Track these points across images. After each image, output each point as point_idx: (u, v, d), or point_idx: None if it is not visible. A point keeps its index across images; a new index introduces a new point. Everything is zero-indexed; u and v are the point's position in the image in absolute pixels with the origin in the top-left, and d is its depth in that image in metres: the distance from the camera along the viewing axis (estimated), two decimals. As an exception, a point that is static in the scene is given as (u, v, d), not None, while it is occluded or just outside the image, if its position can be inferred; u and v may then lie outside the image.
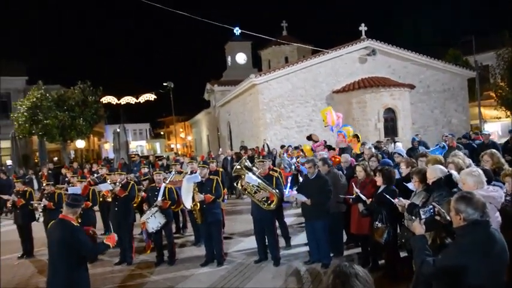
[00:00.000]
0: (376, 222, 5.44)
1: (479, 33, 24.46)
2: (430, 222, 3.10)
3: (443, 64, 23.01)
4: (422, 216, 3.00)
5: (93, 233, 4.58)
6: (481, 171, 3.59)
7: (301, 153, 12.66)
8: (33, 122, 22.59)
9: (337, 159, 8.75)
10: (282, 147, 16.15)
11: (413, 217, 4.48)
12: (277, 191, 6.60)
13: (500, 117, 24.34)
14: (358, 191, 5.85)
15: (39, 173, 16.87)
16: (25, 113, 22.54)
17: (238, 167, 6.79)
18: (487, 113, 25.50)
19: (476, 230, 2.61)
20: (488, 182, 3.68)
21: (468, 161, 5.41)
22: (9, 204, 8.77)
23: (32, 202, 8.52)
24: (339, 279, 1.84)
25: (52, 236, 4.19)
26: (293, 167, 11.71)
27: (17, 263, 8.24)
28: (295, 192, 7.03)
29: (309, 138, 12.13)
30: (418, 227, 2.95)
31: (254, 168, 6.90)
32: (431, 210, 3.07)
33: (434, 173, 4.18)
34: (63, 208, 4.31)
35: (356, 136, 11.16)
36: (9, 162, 24.58)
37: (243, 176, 6.79)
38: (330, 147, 10.20)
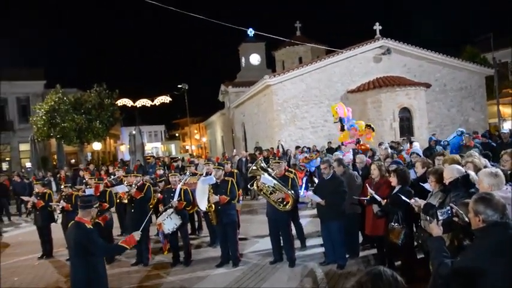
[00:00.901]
0: (392, 223, 5.39)
1: (497, 30, 24.02)
2: (448, 223, 3.06)
3: (460, 62, 22.65)
4: (440, 218, 2.96)
5: (106, 218, 4.73)
6: (500, 172, 3.52)
7: (319, 154, 12.66)
8: (52, 125, 23.04)
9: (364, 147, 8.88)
10: (297, 148, 16.13)
11: (429, 218, 4.44)
12: (292, 192, 6.59)
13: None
14: (372, 192, 5.80)
15: (58, 175, 17.16)
16: (43, 117, 23.00)
17: (254, 168, 6.80)
18: (506, 111, 25.00)
19: (496, 232, 2.56)
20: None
21: (484, 161, 5.32)
22: (29, 206, 8.96)
23: (50, 204, 8.69)
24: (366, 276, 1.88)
25: (69, 237, 4.33)
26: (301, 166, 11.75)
27: (37, 263, 8.40)
28: (310, 193, 7.00)
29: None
30: (436, 228, 2.91)
31: (270, 169, 6.90)
32: (449, 212, 3.02)
33: (451, 173, 4.12)
34: (78, 211, 4.40)
35: (369, 126, 11.08)
36: (28, 164, 25.10)
37: (258, 177, 6.80)
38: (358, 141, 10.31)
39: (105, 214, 4.85)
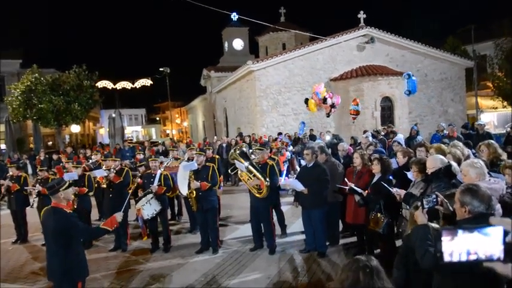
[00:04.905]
0: (374, 212, 5.41)
1: (478, 22, 24.23)
2: (433, 212, 3.06)
3: (442, 53, 22.88)
4: (426, 206, 2.95)
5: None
6: (482, 163, 3.53)
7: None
8: (28, 106, 22.25)
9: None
10: (279, 134, 16.13)
11: (408, 207, 4.46)
12: (268, 180, 6.49)
13: (496, 107, 24.34)
14: (352, 184, 5.80)
15: (37, 158, 16.69)
16: (19, 97, 22.18)
17: (232, 151, 6.76)
18: (484, 103, 25.48)
19: (482, 223, 2.56)
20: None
21: (467, 151, 5.37)
22: (3, 189, 8.69)
23: (26, 188, 8.44)
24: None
25: (46, 223, 4.14)
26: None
27: (11, 248, 8.19)
28: (291, 180, 6.97)
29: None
30: (421, 216, 2.90)
31: (253, 156, 6.84)
32: (435, 200, 3.02)
33: (434, 162, 4.13)
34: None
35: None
36: (3, 146, 24.38)
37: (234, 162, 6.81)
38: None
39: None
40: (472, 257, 1.28)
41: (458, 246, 1.28)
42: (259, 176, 6.48)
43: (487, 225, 1.33)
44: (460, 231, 1.32)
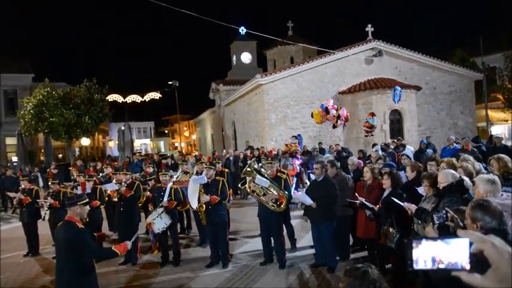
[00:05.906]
0: (386, 227, 5.38)
1: (487, 34, 24.22)
2: (443, 227, 3.05)
3: (450, 66, 22.82)
4: (436, 222, 2.94)
5: (101, 237, 4.68)
6: (497, 179, 3.49)
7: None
8: (39, 119, 22.63)
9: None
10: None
11: (421, 222, 4.43)
12: (286, 192, 6.56)
13: (507, 120, 24.12)
14: (363, 199, 5.77)
15: (48, 170, 16.85)
16: (31, 111, 22.58)
17: (249, 169, 6.74)
18: (494, 115, 25.29)
19: None
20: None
21: (478, 165, 5.33)
22: (15, 202, 8.79)
23: (38, 200, 8.54)
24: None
25: (58, 237, 4.20)
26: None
27: (22, 261, 8.24)
28: (300, 193, 6.96)
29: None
30: (431, 232, 2.89)
31: (263, 170, 6.86)
32: (445, 216, 3.01)
33: (445, 177, 4.11)
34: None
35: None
36: (14, 159, 24.65)
37: (249, 178, 6.77)
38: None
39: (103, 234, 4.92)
40: (440, 266, 1.34)
41: (423, 254, 1.35)
42: (279, 190, 6.52)
43: (453, 236, 1.38)
44: (423, 240, 1.40)
